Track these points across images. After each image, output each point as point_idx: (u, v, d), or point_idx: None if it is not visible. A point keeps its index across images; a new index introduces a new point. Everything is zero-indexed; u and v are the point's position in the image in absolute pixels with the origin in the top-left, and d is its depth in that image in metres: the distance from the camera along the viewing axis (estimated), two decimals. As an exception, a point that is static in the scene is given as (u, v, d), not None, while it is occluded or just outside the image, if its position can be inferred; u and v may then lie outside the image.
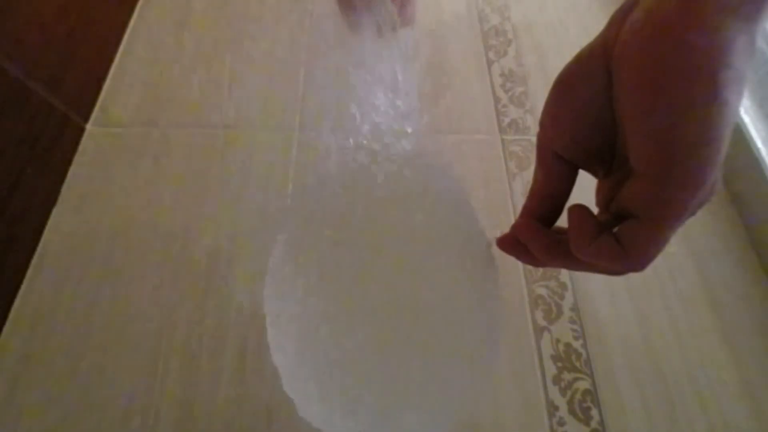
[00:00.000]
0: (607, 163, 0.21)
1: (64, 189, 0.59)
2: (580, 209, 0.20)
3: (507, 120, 0.69)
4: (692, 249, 0.59)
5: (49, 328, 0.51)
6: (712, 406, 0.49)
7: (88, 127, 0.64)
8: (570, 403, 0.49)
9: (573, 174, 0.22)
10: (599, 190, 0.22)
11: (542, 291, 0.56)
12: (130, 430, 0.46)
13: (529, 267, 0.56)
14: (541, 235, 0.22)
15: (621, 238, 0.18)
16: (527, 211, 0.23)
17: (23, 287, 0.53)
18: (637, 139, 0.17)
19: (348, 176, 0.26)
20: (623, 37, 0.17)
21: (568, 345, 0.52)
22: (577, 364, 0.51)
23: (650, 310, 0.55)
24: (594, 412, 0.49)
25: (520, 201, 0.61)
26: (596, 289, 0.56)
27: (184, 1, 0.77)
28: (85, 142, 0.63)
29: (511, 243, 0.23)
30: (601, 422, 0.49)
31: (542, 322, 0.54)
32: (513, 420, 0.48)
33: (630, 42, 0.17)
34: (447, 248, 0.25)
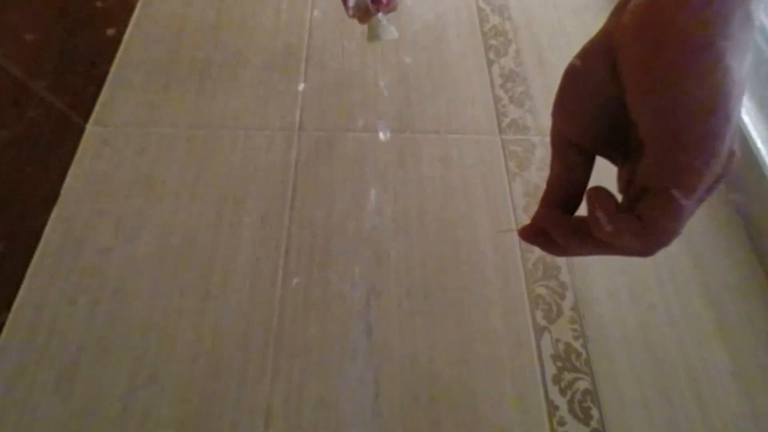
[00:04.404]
0: (623, 148, 0.22)
1: (64, 189, 0.59)
2: (598, 190, 0.20)
3: (507, 120, 0.69)
4: (692, 248, 0.59)
5: (49, 328, 0.51)
6: (711, 406, 0.49)
7: (88, 127, 0.64)
8: (570, 403, 0.49)
9: (589, 162, 0.22)
10: (620, 177, 0.23)
11: (542, 291, 0.56)
12: (129, 428, 0.46)
13: (529, 267, 0.56)
14: (563, 220, 0.22)
15: (640, 214, 0.18)
16: (546, 202, 0.23)
17: (24, 286, 0.53)
18: (644, 115, 0.18)
19: None
20: (623, 21, 0.18)
21: (568, 345, 0.53)
22: (577, 364, 0.51)
23: (650, 309, 0.55)
24: (594, 412, 0.49)
25: (521, 201, 0.61)
26: (597, 289, 0.56)
27: (183, 1, 0.77)
28: (85, 142, 0.63)
29: (534, 232, 0.23)
30: (601, 422, 0.49)
31: (542, 322, 0.54)
32: (513, 420, 0.48)
33: (629, 23, 0.18)
34: None
